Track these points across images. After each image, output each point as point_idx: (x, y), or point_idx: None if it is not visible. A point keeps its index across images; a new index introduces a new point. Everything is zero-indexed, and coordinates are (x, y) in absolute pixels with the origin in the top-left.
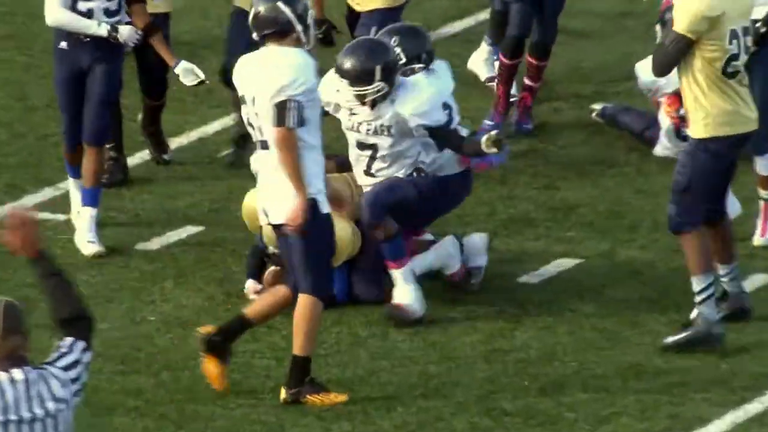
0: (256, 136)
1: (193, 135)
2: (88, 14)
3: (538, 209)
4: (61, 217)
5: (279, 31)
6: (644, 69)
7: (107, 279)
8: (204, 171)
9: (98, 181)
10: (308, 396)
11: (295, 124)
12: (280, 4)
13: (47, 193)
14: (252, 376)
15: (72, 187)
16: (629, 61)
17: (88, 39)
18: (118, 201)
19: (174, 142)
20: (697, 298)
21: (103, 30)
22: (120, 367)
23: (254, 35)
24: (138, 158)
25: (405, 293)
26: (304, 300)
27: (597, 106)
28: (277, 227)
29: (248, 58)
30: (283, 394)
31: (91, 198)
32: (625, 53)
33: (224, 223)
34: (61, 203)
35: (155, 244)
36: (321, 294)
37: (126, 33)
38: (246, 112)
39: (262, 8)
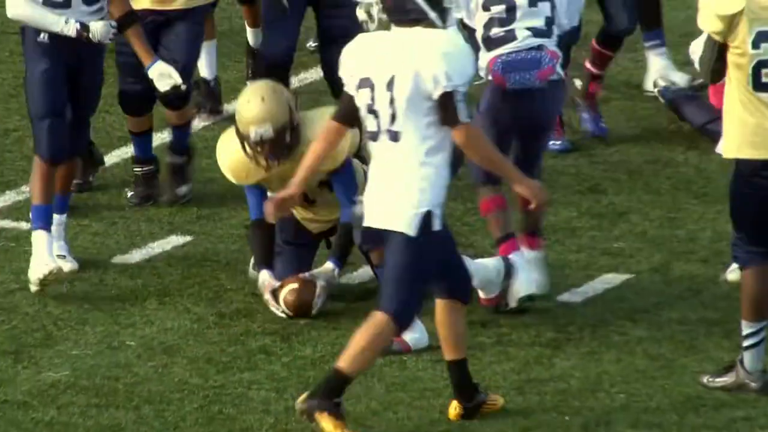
0: (380, 124)
1: None
2: (65, 2)
3: (581, 216)
4: (24, 225)
5: (408, 19)
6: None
7: (80, 298)
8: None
9: (69, 185)
10: (323, 414)
11: (468, 117)
12: None
13: (9, 198)
14: (248, 410)
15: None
16: (687, 42)
17: None
18: (92, 207)
19: (156, 138)
20: (744, 343)
21: (71, 29)
22: (94, 400)
23: (384, 16)
24: (115, 156)
25: None
26: (379, 318)
27: (662, 82)
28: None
29: (374, 37)
30: (300, 400)
31: (59, 203)
32: (685, 32)
33: (215, 232)
34: (25, 209)
35: (135, 256)
36: (401, 320)
37: (99, 31)
38: (367, 97)
39: None
